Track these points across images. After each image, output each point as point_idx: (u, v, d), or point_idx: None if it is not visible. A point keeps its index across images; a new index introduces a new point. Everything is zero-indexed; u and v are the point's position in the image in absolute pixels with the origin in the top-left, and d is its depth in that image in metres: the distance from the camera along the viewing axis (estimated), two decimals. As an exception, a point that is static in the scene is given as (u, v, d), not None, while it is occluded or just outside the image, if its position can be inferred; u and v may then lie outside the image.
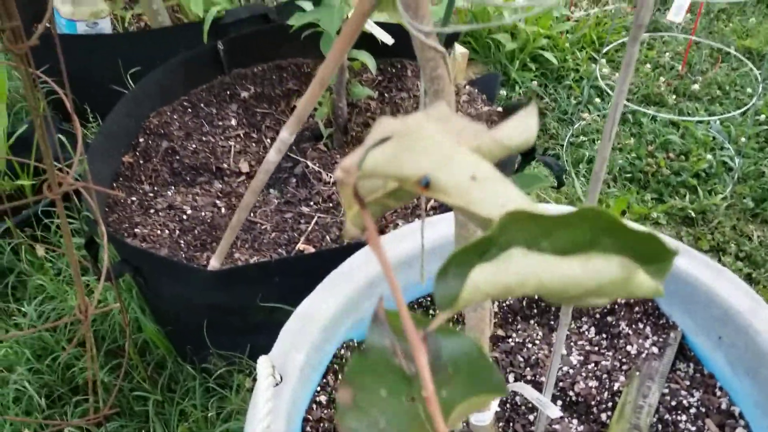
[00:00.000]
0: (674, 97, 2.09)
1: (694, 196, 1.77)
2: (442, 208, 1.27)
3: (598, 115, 2.03)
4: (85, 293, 1.32)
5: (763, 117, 1.99)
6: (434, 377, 0.27)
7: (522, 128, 0.30)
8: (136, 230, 1.27)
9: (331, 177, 1.43)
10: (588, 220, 0.24)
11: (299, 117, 0.78)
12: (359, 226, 0.27)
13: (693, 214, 1.71)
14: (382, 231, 1.24)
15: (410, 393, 0.27)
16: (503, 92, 2.11)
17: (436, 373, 0.27)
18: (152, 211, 1.32)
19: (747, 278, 1.58)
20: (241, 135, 1.51)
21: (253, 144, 1.50)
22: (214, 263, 1.08)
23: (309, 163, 1.46)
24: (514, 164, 1.39)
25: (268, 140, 1.51)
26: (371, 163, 0.26)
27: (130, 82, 1.57)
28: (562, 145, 1.93)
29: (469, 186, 0.26)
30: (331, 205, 1.38)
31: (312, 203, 1.39)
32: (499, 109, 1.51)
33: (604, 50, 2.18)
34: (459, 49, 1.93)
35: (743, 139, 1.89)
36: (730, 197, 1.76)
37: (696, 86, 2.10)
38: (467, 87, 1.57)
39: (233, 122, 1.52)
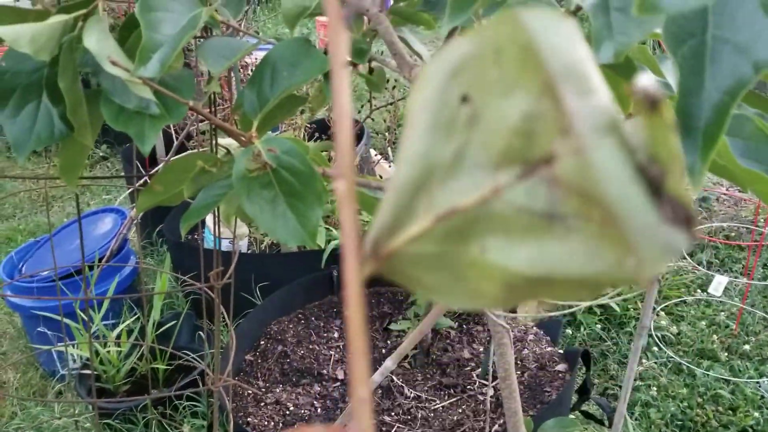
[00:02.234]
0: (726, 354, 2.28)
1: (741, 451, 1.91)
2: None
3: (655, 362, 2.23)
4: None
5: (812, 383, 2.15)
6: None
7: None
8: (248, 419, 1.54)
9: (412, 392, 1.69)
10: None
11: (401, 352, 1.07)
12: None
13: (739, 468, 1.85)
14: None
15: None
16: (569, 331, 2.36)
17: None
18: (263, 404, 1.60)
19: None
20: (341, 346, 1.81)
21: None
22: (314, 456, 1.33)
23: (394, 377, 1.73)
24: (570, 401, 1.62)
25: (362, 354, 1.81)
26: None
27: (258, 293, 1.93)
28: (621, 387, 2.13)
29: None
30: (409, 417, 1.62)
31: (393, 414, 1.64)
32: (560, 351, 1.76)
33: (663, 305, 2.43)
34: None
35: (791, 402, 2.05)
36: (775, 456, 1.89)
37: (747, 347, 2.29)
38: (534, 328, 1.85)
39: (336, 335, 1.83)
